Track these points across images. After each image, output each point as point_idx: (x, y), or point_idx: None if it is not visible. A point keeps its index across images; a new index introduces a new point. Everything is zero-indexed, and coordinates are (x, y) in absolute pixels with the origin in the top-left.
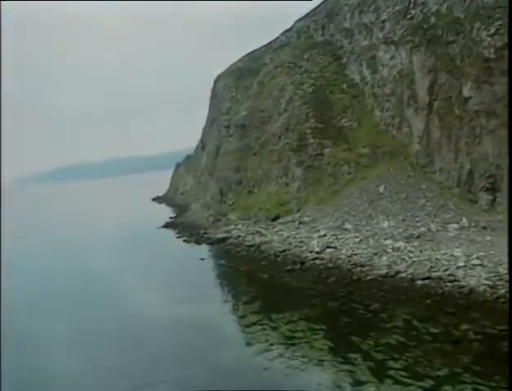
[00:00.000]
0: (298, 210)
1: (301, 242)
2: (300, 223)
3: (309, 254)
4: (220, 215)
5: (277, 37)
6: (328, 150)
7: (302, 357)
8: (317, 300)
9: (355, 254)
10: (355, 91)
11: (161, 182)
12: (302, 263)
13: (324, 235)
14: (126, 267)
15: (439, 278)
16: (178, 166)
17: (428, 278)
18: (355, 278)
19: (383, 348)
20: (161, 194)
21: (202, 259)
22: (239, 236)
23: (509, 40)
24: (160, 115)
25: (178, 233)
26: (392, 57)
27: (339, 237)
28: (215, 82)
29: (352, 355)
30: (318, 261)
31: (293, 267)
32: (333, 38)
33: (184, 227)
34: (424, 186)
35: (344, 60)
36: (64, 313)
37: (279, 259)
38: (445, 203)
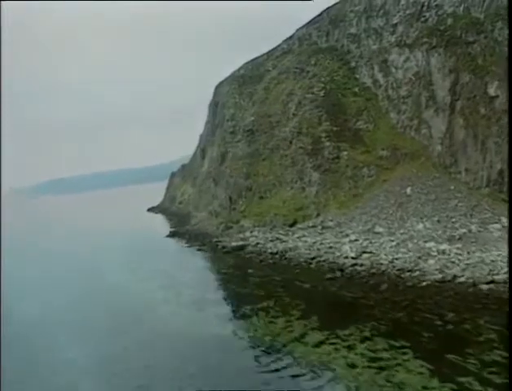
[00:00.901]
0: (318, 215)
1: (330, 248)
2: (323, 228)
3: (345, 260)
4: (231, 222)
5: (278, 45)
6: (345, 153)
7: (403, 384)
8: (378, 312)
9: (397, 259)
10: (368, 94)
11: (151, 194)
12: (341, 270)
13: (356, 240)
14: (147, 279)
15: (505, 281)
16: (173, 176)
17: (492, 281)
18: (408, 284)
19: (495, 368)
20: (153, 204)
21: (229, 269)
22: (258, 243)
23: (509, 39)
24: (146, 128)
25: (187, 242)
26: (406, 59)
27: (373, 241)
28: (216, 89)
29: (464, 379)
30: (358, 268)
31: (334, 275)
32: (339, 44)
33: (192, 236)
34: (452, 187)
35: (353, 64)
36: (92, 334)
37: (312, 266)
38: (478, 203)
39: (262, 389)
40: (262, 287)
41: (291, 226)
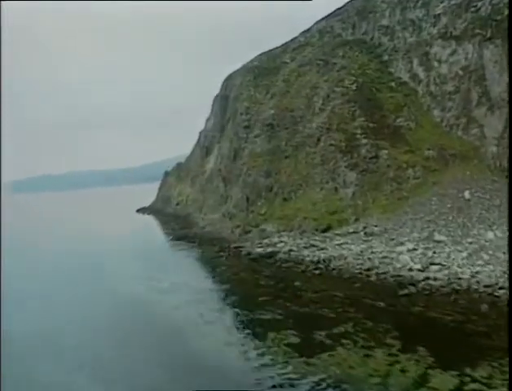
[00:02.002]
0: (357, 219)
1: (384, 257)
2: (367, 235)
3: (411, 273)
4: (249, 226)
5: (295, 38)
6: (385, 152)
7: None
8: (500, 342)
9: (478, 273)
10: (406, 90)
11: (133, 195)
12: (413, 285)
13: (414, 249)
14: (171, 292)
15: None
16: (166, 175)
17: None
18: None
19: None
20: (138, 205)
21: (268, 281)
22: (290, 251)
23: (509, 39)
24: (132, 129)
25: (199, 247)
26: (453, 52)
27: (436, 251)
28: (226, 82)
29: None
30: (432, 282)
31: (408, 291)
32: (367, 36)
33: (204, 240)
34: None
35: (385, 58)
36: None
37: (372, 279)
38: None
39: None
40: (325, 306)
41: (324, 231)
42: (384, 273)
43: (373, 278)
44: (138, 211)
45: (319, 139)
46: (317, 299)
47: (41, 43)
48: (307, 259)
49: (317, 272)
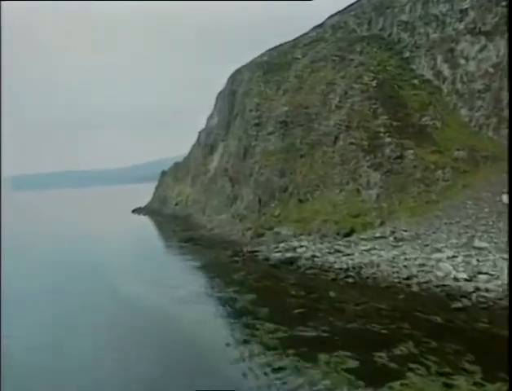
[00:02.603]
0: (382, 223)
1: (422, 265)
2: (397, 240)
3: (457, 283)
4: (262, 228)
5: (305, 33)
6: (410, 151)
7: None
8: None
9: None
10: (430, 87)
11: (124, 195)
12: (464, 297)
13: (455, 256)
14: (188, 302)
15: None
16: (163, 175)
17: None
18: None
19: None
20: (131, 205)
21: (298, 290)
22: (313, 256)
23: (508, 39)
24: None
25: (209, 251)
26: (482, 49)
27: (479, 259)
28: (233, 77)
29: None
30: (486, 294)
31: (462, 304)
32: (385, 32)
33: (213, 243)
34: None
35: (406, 54)
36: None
37: (414, 290)
38: None
39: None
40: (373, 321)
41: (347, 235)
42: (426, 282)
43: (415, 288)
44: (133, 211)
45: (337, 137)
46: (361, 312)
47: (40, 43)
48: (335, 266)
49: (350, 281)
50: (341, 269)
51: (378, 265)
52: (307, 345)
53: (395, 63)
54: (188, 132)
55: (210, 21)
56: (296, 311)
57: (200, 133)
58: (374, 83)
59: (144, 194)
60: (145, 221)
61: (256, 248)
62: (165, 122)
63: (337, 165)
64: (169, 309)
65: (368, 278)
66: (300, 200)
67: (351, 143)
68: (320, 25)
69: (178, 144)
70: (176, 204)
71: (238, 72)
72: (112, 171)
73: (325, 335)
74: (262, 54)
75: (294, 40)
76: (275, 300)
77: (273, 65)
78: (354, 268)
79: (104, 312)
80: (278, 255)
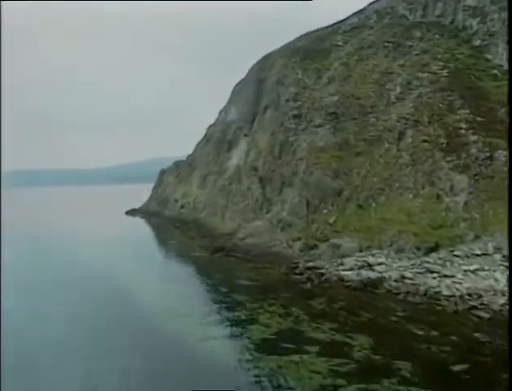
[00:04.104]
0: (477, 237)
1: None
2: (506, 258)
3: None
4: (314, 239)
5: (344, 19)
6: (502, 152)
7: None
8: None
9: None
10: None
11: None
12: None
13: None
14: (265, 347)
15: None
16: (162, 174)
17: None
18: None
19: None
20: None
21: (417, 328)
22: (403, 277)
23: (508, 39)
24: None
25: (247, 262)
26: None
27: None
28: (258, 64)
29: None
30: None
31: None
32: (445, 19)
33: (249, 255)
34: None
35: (477, 43)
36: None
37: None
38: None
39: None
40: None
41: (431, 250)
42: None
43: None
44: (127, 213)
45: (402, 134)
46: None
47: (40, 43)
48: (444, 293)
49: (482, 315)
50: (453, 296)
51: (504, 294)
52: None
53: (466, 51)
54: (174, 133)
55: (210, 21)
56: (455, 368)
57: (208, 129)
58: (445, 72)
59: (131, 194)
60: (144, 224)
61: (314, 264)
62: (143, 123)
63: (405, 166)
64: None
65: (501, 311)
66: (360, 206)
67: (424, 141)
68: (361, 11)
69: (162, 144)
70: (182, 207)
71: (267, 58)
72: (89, 171)
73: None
74: (297, 39)
75: (332, 25)
76: (403, 346)
77: (311, 52)
78: (471, 296)
79: None
80: (352, 274)
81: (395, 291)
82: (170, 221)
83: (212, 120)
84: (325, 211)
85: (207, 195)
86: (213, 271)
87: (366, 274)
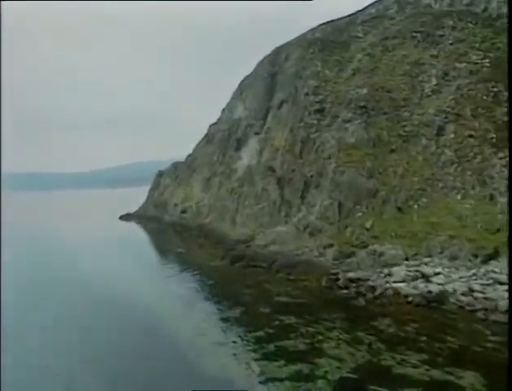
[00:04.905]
0: None
1: None
2: None
3: None
4: (350, 246)
5: (361, 10)
6: None
7: None
8: None
9: None
10: None
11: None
12: None
13: None
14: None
15: None
16: (159, 177)
17: None
18: None
19: None
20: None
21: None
22: (471, 291)
23: (508, 40)
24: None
25: (275, 273)
26: None
27: None
28: (270, 57)
29: None
30: None
31: None
32: (476, 7)
33: (275, 265)
34: None
35: None
36: None
37: None
38: None
39: None
40: None
41: (490, 258)
42: None
43: None
44: (121, 218)
45: (441, 129)
46: None
47: (39, 43)
48: None
49: None
50: None
51: None
52: None
53: (506, 40)
54: (162, 136)
55: (210, 21)
56: None
57: (210, 128)
58: (487, 62)
59: (122, 198)
60: (142, 230)
61: (356, 275)
62: (143, 123)
63: (450, 164)
64: None
65: None
66: (399, 209)
67: (470, 136)
68: (379, 1)
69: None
70: (183, 211)
71: (279, 51)
72: (75, 174)
73: None
74: (314, 30)
75: (347, 16)
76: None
77: (329, 43)
78: None
79: None
80: (406, 286)
81: (468, 307)
82: (171, 227)
83: (212, 120)
84: (359, 214)
85: (212, 199)
86: (240, 285)
87: (424, 286)
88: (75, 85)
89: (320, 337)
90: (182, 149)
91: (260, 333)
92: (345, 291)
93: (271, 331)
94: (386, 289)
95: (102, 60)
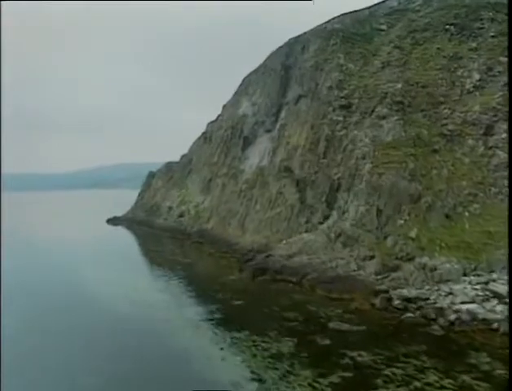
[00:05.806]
0: None
1: None
2: None
3: None
4: (393, 258)
5: (381, 2)
6: None
7: None
8: None
9: None
10: None
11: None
12: None
13: None
14: None
15: None
16: (150, 178)
17: None
18: None
19: None
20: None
21: None
22: None
23: (508, 40)
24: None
25: (308, 290)
26: None
27: None
28: (282, 48)
29: None
30: None
31: None
32: None
33: (306, 281)
34: None
35: None
36: None
37: None
38: None
39: None
40: None
41: None
42: None
43: None
44: (108, 221)
45: (490, 127)
46: None
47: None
48: None
49: None
50: None
51: None
52: None
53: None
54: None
55: (209, 21)
56: None
57: (208, 126)
58: None
59: (104, 200)
60: (134, 237)
61: (410, 293)
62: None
63: (504, 167)
64: None
65: None
66: (447, 216)
67: None
68: None
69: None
70: (180, 215)
71: (294, 43)
72: (57, 175)
73: None
74: (332, 21)
75: (367, 8)
76: None
77: (351, 35)
78: None
79: None
80: (479, 308)
81: None
82: (166, 232)
83: (211, 118)
84: (401, 221)
85: (214, 202)
86: (276, 306)
87: (503, 308)
88: (61, 84)
89: (417, 383)
90: (172, 150)
91: (334, 378)
92: (409, 314)
93: (346, 374)
94: (459, 312)
95: (88, 59)
